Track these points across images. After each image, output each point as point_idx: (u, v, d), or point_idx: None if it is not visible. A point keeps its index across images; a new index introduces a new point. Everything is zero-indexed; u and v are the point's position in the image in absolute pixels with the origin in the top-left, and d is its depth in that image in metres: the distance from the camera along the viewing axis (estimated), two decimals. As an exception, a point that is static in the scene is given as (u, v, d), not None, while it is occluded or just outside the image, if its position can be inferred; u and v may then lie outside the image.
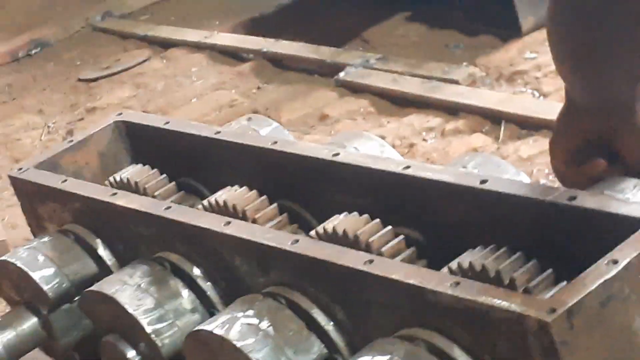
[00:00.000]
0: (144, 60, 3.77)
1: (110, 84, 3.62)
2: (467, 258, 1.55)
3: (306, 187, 1.92)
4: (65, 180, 2.08)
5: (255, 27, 3.76)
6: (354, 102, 3.09)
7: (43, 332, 2.00)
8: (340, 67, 3.23)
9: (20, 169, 2.17)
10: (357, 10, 3.62)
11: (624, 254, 1.37)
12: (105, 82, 3.66)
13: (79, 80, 3.75)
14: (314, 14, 3.69)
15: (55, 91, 3.71)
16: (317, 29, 3.52)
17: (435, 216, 1.72)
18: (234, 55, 3.59)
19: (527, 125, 2.68)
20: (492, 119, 2.77)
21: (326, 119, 3.01)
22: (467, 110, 2.83)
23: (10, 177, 2.17)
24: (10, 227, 2.99)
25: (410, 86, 3.01)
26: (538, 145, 2.53)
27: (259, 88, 3.32)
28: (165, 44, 3.81)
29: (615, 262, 1.37)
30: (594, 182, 1.62)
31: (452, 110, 2.87)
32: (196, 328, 1.69)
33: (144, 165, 2.13)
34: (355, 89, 3.13)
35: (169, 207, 1.88)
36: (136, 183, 2.06)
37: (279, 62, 3.44)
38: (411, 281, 1.48)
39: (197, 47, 3.70)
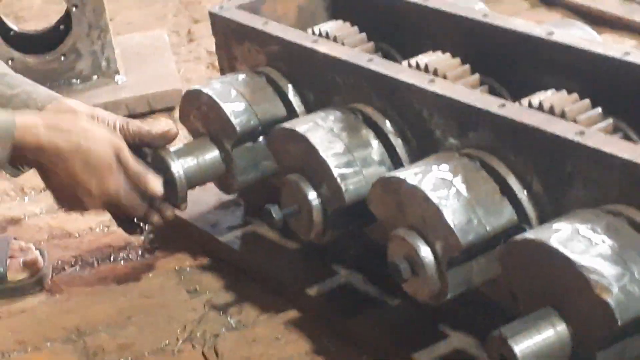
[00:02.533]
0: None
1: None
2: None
3: (511, 65, 1.89)
4: (267, 23, 2.09)
5: None
6: (545, 14, 3.02)
7: (222, 165, 2.04)
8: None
9: (222, 7, 2.19)
10: None
11: None
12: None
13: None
14: None
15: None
16: None
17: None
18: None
19: None
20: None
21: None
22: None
23: (210, 13, 2.20)
24: (185, 81, 3.04)
25: (609, 5, 2.93)
26: None
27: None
28: None
29: None
30: None
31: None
32: (388, 174, 1.70)
33: (344, 22, 2.13)
34: (550, 1, 3.05)
35: (371, 59, 1.88)
36: (335, 37, 2.06)
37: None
38: (625, 156, 1.45)
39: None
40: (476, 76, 1.87)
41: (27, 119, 1.77)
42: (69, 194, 1.85)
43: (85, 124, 1.82)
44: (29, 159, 1.80)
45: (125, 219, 2.00)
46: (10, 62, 2.81)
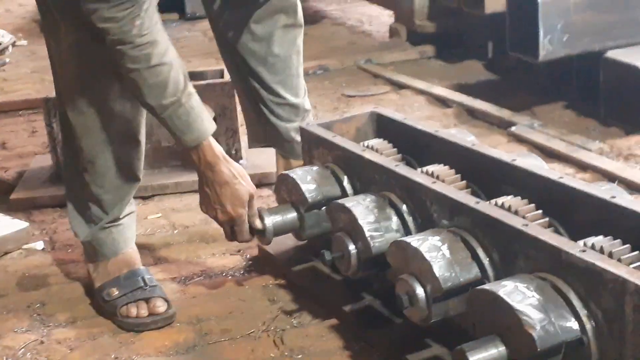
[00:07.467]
0: (385, 92, 3.78)
1: (361, 101, 3.67)
2: (592, 240, 1.49)
3: (487, 178, 1.88)
4: (335, 136, 2.12)
5: (460, 89, 3.71)
6: (517, 147, 3.01)
7: (297, 223, 2.06)
8: (513, 124, 3.15)
9: (308, 123, 2.22)
10: (530, 93, 3.53)
11: None
12: (358, 99, 3.71)
13: (342, 95, 3.81)
14: (504, 90, 3.62)
15: (325, 98, 3.79)
16: (505, 98, 3.45)
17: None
18: (443, 102, 3.56)
19: (635, 188, 2.55)
20: (610, 178, 2.64)
21: (495, 154, 2.91)
22: (594, 170, 2.72)
23: (300, 128, 2.23)
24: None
25: (559, 146, 2.91)
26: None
27: (455, 125, 3.28)
28: (401, 86, 3.81)
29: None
30: None
31: (583, 167, 2.77)
32: (400, 239, 1.70)
33: (384, 140, 2.15)
34: (521, 140, 3.05)
35: (397, 165, 1.90)
36: (377, 149, 2.08)
37: (472, 113, 3.39)
38: (553, 243, 1.44)
39: (421, 92, 3.68)
40: (463, 182, 1.88)
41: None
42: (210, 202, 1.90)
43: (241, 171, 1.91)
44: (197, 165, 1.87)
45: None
46: None
